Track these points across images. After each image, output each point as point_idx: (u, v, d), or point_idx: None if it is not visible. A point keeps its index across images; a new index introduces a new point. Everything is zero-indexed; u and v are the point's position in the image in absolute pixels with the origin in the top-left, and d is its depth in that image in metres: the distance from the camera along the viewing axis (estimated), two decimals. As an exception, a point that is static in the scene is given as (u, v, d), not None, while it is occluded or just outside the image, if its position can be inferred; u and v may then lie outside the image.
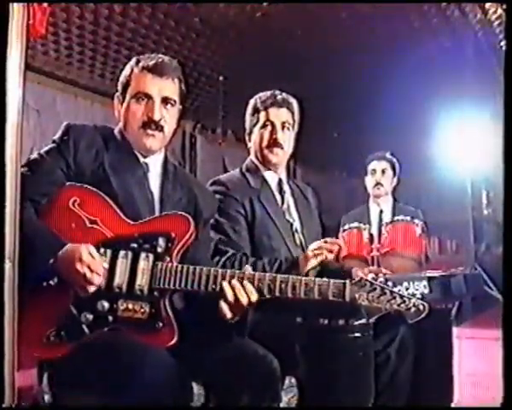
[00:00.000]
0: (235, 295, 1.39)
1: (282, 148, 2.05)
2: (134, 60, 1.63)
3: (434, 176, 7.03)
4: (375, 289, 1.39)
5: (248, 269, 1.44)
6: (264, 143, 2.04)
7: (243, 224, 1.96)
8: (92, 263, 1.33)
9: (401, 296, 1.38)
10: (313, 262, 1.83)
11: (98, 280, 1.35)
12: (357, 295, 1.39)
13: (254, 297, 1.41)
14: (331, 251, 1.84)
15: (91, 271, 1.33)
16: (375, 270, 2.18)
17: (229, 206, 1.96)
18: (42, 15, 1.32)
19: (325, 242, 1.86)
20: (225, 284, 1.40)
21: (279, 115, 2.04)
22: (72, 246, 1.35)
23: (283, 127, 2.04)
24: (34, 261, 1.31)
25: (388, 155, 3.23)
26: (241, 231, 1.95)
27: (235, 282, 1.40)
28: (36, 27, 1.30)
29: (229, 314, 1.42)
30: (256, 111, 2.07)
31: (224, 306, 1.41)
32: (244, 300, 1.39)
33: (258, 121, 2.07)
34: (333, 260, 2.30)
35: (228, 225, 1.93)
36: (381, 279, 1.42)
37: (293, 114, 2.09)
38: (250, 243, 1.96)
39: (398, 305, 1.38)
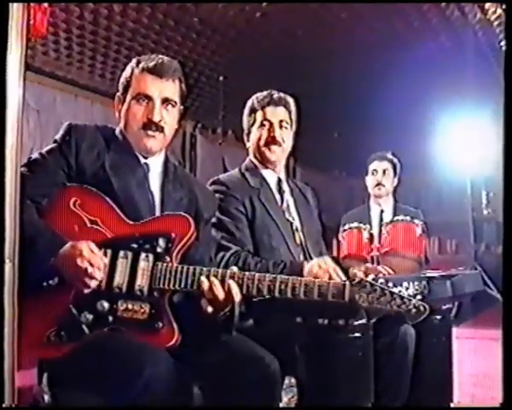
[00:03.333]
0: (212, 291, 1.40)
1: (280, 145, 2.05)
2: (134, 61, 1.63)
3: (434, 176, 7.04)
4: (375, 290, 1.39)
5: (234, 269, 1.44)
6: (262, 141, 2.05)
7: (245, 222, 1.97)
8: (93, 258, 1.33)
9: (401, 298, 1.38)
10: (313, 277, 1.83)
11: (99, 275, 1.35)
12: (357, 296, 1.39)
13: (238, 297, 1.42)
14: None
15: (92, 265, 1.33)
16: (371, 268, 2.18)
17: (231, 204, 1.97)
18: (42, 15, 1.32)
19: (334, 269, 1.83)
20: (203, 280, 1.41)
21: (276, 114, 2.05)
22: (73, 243, 1.35)
23: (281, 126, 2.05)
24: (35, 261, 1.31)
25: (390, 155, 3.22)
26: (243, 229, 1.95)
27: (213, 279, 1.41)
28: (36, 27, 1.30)
29: (209, 309, 1.43)
30: (253, 111, 2.09)
31: (204, 301, 1.42)
32: (221, 296, 1.40)
33: (255, 121, 2.08)
34: (332, 257, 2.30)
35: (230, 222, 1.94)
36: (382, 280, 1.41)
37: (290, 112, 2.09)
38: (251, 242, 1.97)
39: (399, 306, 1.37)
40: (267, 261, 1.89)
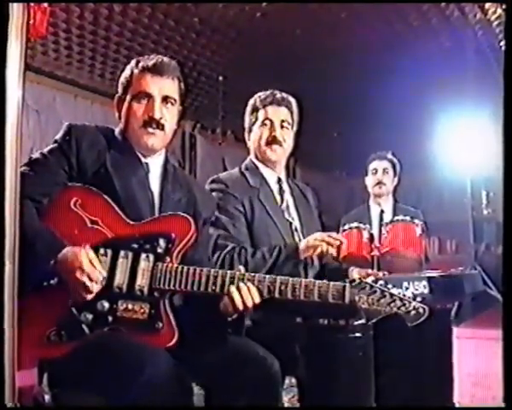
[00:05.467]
0: (241, 297, 1.41)
1: (281, 145, 2.06)
2: (134, 61, 1.64)
3: (434, 176, 7.03)
4: (374, 291, 1.39)
5: (241, 269, 1.45)
6: (263, 140, 2.06)
7: (243, 221, 1.97)
8: (92, 273, 1.33)
9: (401, 299, 1.38)
10: (312, 252, 1.89)
11: (97, 288, 1.35)
12: (356, 298, 1.39)
13: (257, 299, 1.42)
14: (332, 245, 1.86)
15: (91, 280, 1.33)
16: (373, 273, 2.18)
17: (229, 203, 1.97)
18: (42, 15, 1.32)
19: (328, 236, 1.88)
20: (233, 289, 1.41)
21: (278, 113, 2.06)
22: (73, 251, 1.34)
23: (282, 126, 2.06)
24: (35, 261, 1.30)
25: (389, 155, 3.23)
26: (240, 228, 1.96)
27: (242, 285, 1.41)
28: (36, 27, 1.30)
29: (234, 313, 1.44)
30: (255, 109, 2.09)
31: (229, 305, 1.42)
32: (249, 302, 1.41)
33: (257, 119, 2.09)
34: (332, 258, 2.31)
35: (228, 221, 1.94)
36: (381, 281, 1.41)
37: (292, 113, 2.10)
38: (249, 241, 1.97)
39: (398, 308, 1.38)
40: (261, 249, 1.90)
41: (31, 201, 1.40)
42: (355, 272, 2.08)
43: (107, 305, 1.39)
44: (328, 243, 1.87)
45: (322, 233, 1.93)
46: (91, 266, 1.33)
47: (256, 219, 1.98)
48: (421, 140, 5.36)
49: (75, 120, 1.61)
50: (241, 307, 1.41)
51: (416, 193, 6.90)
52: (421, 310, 1.37)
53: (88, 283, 1.32)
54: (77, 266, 1.32)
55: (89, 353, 1.34)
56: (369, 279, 1.42)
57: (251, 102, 2.13)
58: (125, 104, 1.61)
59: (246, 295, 1.41)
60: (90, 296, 1.35)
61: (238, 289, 1.41)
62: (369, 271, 2.33)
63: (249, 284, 1.42)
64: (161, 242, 1.44)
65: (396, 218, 3.09)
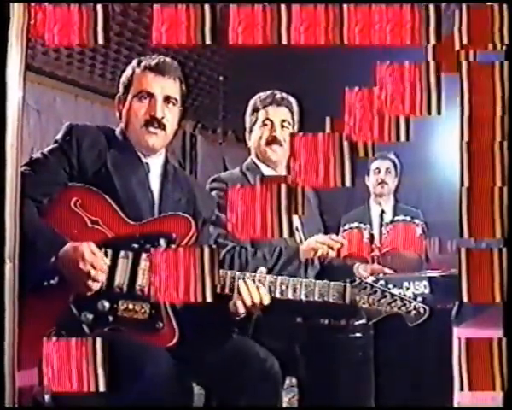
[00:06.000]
0: (250, 294, 1.41)
1: (281, 145, 2.06)
2: (135, 61, 1.64)
3: (435, 176, 7.02)
4: (375, 291, 1.39)
5: (263, 271, 1.45)
6: (263, 140, 2.06)
7: None
8: (95, 261, 1.33)
9: (402, 299, 1.38)
10: (312, 254, 1.89)
11: (102, 277, 1.36)
12: (357, 298, 1.39)
13: (267, 300, 1.42)
14: (332, 248, 1.87)
15: (95, 268, 1.33)
16: (377, 268, 2.18)
17: None
18: (42, 15, 1.32)
19: (329, 238, 1.89)
20: (241, 283, 1.42)
21: (278, 113, 2.06)
22: (74, 245, 1.35)
23: (282, 126, 2.06)
24: (35, 260, 1.31)
25: (392, 155, 3.22)
26: None
27: (249, 282, 1.42)
28: (37, 27, 1.30)
29: (242, 310, 1.44)
30: (255, 110, 2.10)
31: (238, 302, 1.43)
32: (257, 299, 1.41)
33: (257, 120, 2.09)
34: (334, 256, 2.32)
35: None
36: (382, 282, 1.41)
37: (292, 113, 2.10)
38: (250, 241, 1.97)
39: (399, 308, 1.38)
40: (262, 249, 1.90)
41: (32, 200, 1.40)
42: (361, 269, 2.09)
43: (107, 305, 1.39)
44: (329, 246, 1.88)
45: (324, 235, 1.94)
46: (93, 255, 1.33)
47: (256, 218, 1.98)
48: (421, 140, 5.35)
49: (76, 120, 1.61)
50: (248, 302, 1.41)
51: (417, 193, 6.89)
52: (421, 310, 1.38)
53: (92, 271, 1.32)
54: (79, 257, 1.32)
55: (89, 353, 1.34)
56: (370, 279, 1.43)
57: (251, 102, 2.13)
58: (126, 104, 1.61)
59: (254, 291, 1.41)
60: (96, 286, 1.35)
61: (246, 285, 1.41)
62: (375, 266, 2.34)
63: (259, 283, 1.42)
64: (162, 242, 1.45)
65: (396, 218, 3.09)
